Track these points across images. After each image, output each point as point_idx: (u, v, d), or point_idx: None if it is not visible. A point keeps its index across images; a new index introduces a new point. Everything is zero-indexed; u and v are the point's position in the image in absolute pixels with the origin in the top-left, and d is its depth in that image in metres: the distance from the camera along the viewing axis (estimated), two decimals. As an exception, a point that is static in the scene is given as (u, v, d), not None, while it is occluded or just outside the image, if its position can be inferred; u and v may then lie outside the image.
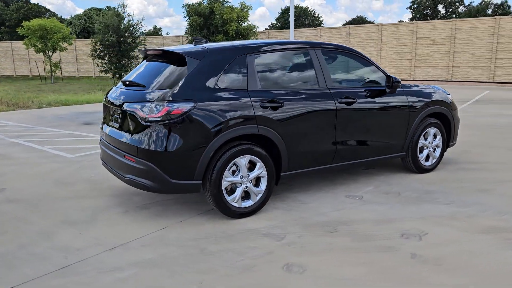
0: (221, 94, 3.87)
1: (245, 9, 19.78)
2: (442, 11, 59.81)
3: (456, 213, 4.12)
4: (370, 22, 58.55)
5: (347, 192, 4.81)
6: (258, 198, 4.10)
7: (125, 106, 3.95)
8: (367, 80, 5.04)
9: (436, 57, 19.19)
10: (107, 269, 3.12)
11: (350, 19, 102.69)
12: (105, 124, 4.51)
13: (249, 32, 19.79)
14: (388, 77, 4.96)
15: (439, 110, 5.46)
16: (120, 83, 4.61)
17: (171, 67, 4.04)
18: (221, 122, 3.79)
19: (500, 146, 7.09)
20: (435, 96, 5.46)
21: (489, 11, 50.53)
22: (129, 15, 22.79)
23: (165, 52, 4.24)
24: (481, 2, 52.35)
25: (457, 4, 59.60)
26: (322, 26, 42.03)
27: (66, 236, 3.69)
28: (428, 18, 59.51)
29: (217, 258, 3.27)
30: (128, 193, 4.80)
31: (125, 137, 3.92)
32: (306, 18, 64.17)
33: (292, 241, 3.54)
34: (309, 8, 66.48)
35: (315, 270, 3.07)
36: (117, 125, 4.12)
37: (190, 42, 7.13)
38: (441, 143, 5.63)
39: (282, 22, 58.36)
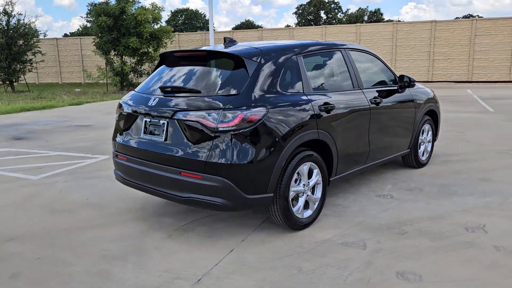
0: (285, 98, 3.59)
1: (157, 10, 18.89)
2: (324, 16, 64.44)
3: (489, 203, 4.39)
4: (259, 26, 60.47)
5: (372, 191, 4.84)
6: (315, 206, 3.90)
7: (179, 115, 3.42)
8: (379, 79, 5.13)
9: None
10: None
11: (233, 24, 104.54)
12: (128, 136, 3.87)
13: (164, 34, 18.95)
14: (401, 77, 5.10)
15: (433, 107, 5.81)
16: (138, 89, 4.02)
17: (225, 70, 3.63)
18: (291, 128, 3.52)
19: (461, 139, 7.80)
20: (430, 94, 5.80)
21: (365, 18, 55.83)
22: (19, 13, 20.21)
23: (213, 53, 3.81)
24: (358, 9, 57.74)
25: (336, 11, 64.83)
26: (263, 28, 42.18)
27: (127, 274, 3.07)
28: (312, 23, 63.64)
29: (323, 276, 3.01)
30: (150, 215, 4.20)
31: (180, 150, 3.40)
32: (197, 21, 64.07)
33: (378, 248, 3.42)
34: (200, 12, 66.40)
35: (431, 274, 3.00)
36: (160, 138, 3.56)
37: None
38: (431, 138, 6.00)
39: (172, 25, 57.18)
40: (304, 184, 3.74)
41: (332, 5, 64.76)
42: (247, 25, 63.85)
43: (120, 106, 4.08)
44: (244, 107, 3.26)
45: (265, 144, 3.36)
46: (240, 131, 3.23)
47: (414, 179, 5.31)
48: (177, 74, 3.88)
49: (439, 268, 3.09)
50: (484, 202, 4.42)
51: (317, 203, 3.91)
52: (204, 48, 3.93)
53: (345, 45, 4.62)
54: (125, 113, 3.94)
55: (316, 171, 3.84)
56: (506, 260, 3.20)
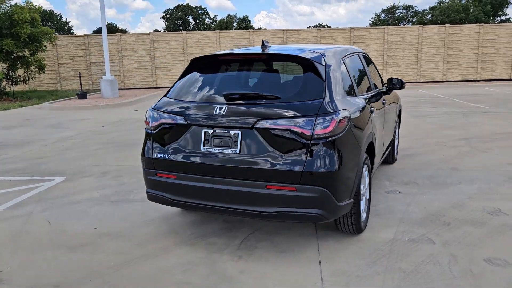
0: (352, 100, 3.58)
1: (32, 9, 16.63)
2: (192, 22, 64.61)
3: (481, 189, 4.97)
4: (157, 31, 57.82)
5: (378, 189, 5.08)
6: (367, 207, 3.96)
7: (263, 124, 3.14)
8: (376, 81, 5.41)
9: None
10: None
11: (85, 27, 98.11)
12: (178, 151, 3.41)
13: (44, 36, 16.76)
14: (389, 79, 5.45)
15: (400, 107, 6.34)
16: (176, 96, 3.57)
17: (293, 74, 3.45)
18: (364, 131, 3.52)
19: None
20: (398, 94, 6.31)
21: (235, 24, 57.61)
22: None
23: (276, 56, 3.56)
24: (227, 16, 59.33)
25: (204, 16, 65.61)
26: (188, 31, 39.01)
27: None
28: (181, 28, 63.32)
29: (429, 274, 3.08)
30: (191, 237, 3.77)
31: (264, 162, 3.12)
32: (52, 22, 58.41)
33: (444, 241, 3.62)
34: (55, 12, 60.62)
35: (509, 256, 3.31)
36: (233, 150, 3.21)
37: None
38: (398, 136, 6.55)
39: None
40: (363, 187, 3.76)
41: (200, 11, 65.37)
42: (110, 29, 60.44)
43: (155, 116, 3.56)
44: (332, 112, 3.15)
45: (351, 148, 3.31)
46: (334, 137, 3.11)
47: (400, 173, 5.73)
48: (230, 79, 3.56)
49: (510, 249, 3.42)
50: (476, 189, 5.00)
51: (368, 205, 3.97)
52: (263, 51, 3.64)
53: (359, 50, 4.78)
54: (172, 125, 3.46)
55: (366, 172, 3.90)
56: (549, 236, 3.69)
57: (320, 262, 3.28)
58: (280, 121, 3.11)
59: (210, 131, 3.31)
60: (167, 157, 3.48)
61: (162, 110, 3.57)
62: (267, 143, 3.14)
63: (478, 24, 20.28)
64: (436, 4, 58.22)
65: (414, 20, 61.62)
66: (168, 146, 3.49)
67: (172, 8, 64.12)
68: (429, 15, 58.41)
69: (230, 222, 4.07)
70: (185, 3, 62.34)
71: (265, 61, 3.70)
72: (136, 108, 13.87)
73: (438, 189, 5.00)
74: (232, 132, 3.23)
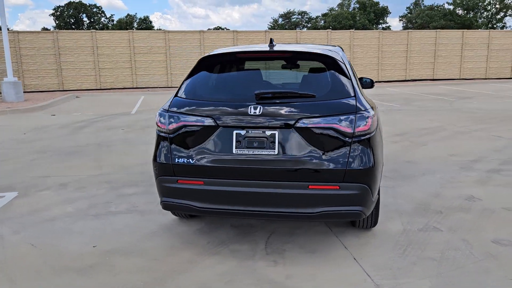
0: (367, 99, 3.66)
1: None
2: (87, 20, 60.67)
3: (444, 179, 5.46)
4: (46, 29, 52.32)
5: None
6: (372, 202, 4.10)
7: (304, 123, 3.06)
8: None
9: (154, 66, 20.07)
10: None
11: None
12: (205, 155, 3.18)
13: None
14: (360, 79, 5.69)
15: None
16: (195, 97, 3.35)
17: (319, 72, 3.42)
18: (381, 128, 3.63)
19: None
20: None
21: (135, 24, 55.44)
22: None
23: (300, 53, 3.48)
24: (127, 16, 56.81)
25: (99, 15, 62.00)
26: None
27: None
28: (74, 27, 59.11)
29: (456, 260, 3.30)
30: (210, 246, 3.56)
31: (305, 162, 3.06)
32: None
33: (448, 227, 3.89)
34: None
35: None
36: (271, 151, 3.09)
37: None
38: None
39: None
40: None
41: (95, 9, 61.62)
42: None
43: (173, 118, 3.28)
44: (366, 110, 3.20)
45: (380, 144, 3.40)
46: (370, 134, 3.16)
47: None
48: (253, 78, 3.42)
49: (505, 231, 3.81)
50: (441, 179, 5.46)
51: None
52: (285, 48, 3.52)
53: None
54: (198, 126, 3.22)
55: None
56: (527, 216, 4.19)
57: (355, 259, 3.31)
58: (322, 120, 3.08)
59: (243, 132, 3.15)
60: (191, 162, 3.22)
61: (181, 111, 3.30)
62: (307, 142, 3.08)
63: (378, 30, 22.19)
64: (327, 11, 62.48)
65: (309, 25, 65.31)
66: (191, 149, 3.24)
67: (63, 5, 59.34)
68: (322, 21, 62.30)
69: (239, 227, 3.92)
70: (77, 1, 58.07)
71: (287, 59, 3.62)
72: (53, 113, 12.59)
73: (410, 181, 5.36)
74: (268, 132, 3.11)
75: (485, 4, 50.93)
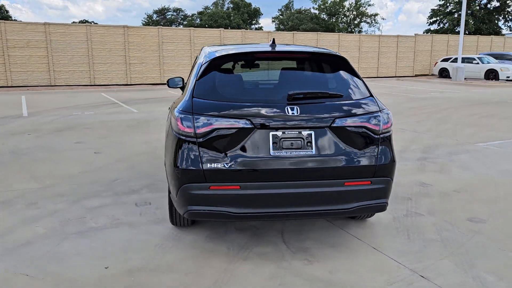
0: None
1: None
2: None
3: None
4: None
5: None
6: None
7: (339, 123, 3.16)
8: None
9: (33, 61, 17.82)
10: None
11: None
12: (241, 158, 3.08)
13: None
14: None
15: None
16: (222, 99, 3.22)
17: (335, 72, 3.52)
18: None
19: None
20: None
21: None
22: None
23: (317, 54, 3.53)
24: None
25: None
26: None
27: (378, 300, 2.77)
28: None
29: (453, 238, 3.76)
30: (232, 250, 3.45)
31: (341, 160, 3.17)
32: None
33: (426, 212, 4.39)
34: None
35: (482, 214, 4.31)
36: (309, 151, 3.13)
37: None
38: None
39: None
40: None
41: None
42: None
43: (201, 120, 3.09)
44: (384, 108, 3.44)
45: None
46: (391, 131, 3.41)
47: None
48: (276, 77, 3.39)
49: (470, 210, 4.43)
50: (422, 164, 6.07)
51: None
52: (302, 49, 3.49)
53: None
54: (232, 129, 3.09)
55: None
56: (480, 190, 4.92)
57: (375, 248, 3.54)
58: (355, 119, 3.23)
59: (279, 133, 3.13)
60: (226, 166, 3.09)
61: (211, 113, 3.12)
62: (341, 141, 3.20)
63: (267, 31, 23.16)
64: (203, 10, 62.81)
65: (184, 23, 64.84)
66: (225, 153, 3.10)
67: None
68: (198, 19, 62.41)
69: (246, 230, 3.86)
70: None
71: (303, 59, 3.66)
72: None
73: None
74: (304, 132, 3.15)
75: (344, 10, 56.50)
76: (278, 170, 3.11)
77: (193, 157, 3.13)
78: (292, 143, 3.14)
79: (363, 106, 3.32)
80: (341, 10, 56.10)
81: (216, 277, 3.06)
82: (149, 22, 63.83)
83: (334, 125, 3.18)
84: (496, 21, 50.68)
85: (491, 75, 23.48)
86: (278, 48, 3.62)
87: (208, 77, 3.40)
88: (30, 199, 4.68)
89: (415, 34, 27.81)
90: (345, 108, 3.26)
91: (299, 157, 3.14)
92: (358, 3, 53.91)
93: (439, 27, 51.90)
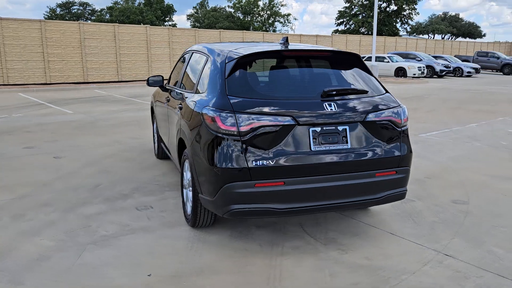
0: None
1: None
2: None
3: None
4: None
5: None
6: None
7: (370, 117, 3.35)
8: None
9: None
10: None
11: None
12: (283, 154, 3.14)
13: None
14: None
15: None
16: (259, 96, 3.26)
17: (353, 69, 3.69)
18: None
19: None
20: None
21: None
22: None
23: (337, 53, 3.65)
24: None
25: None
26: None
27: None
28: None
29: (454, 219, 4.17)
30: (264, 248, 3.49)
31: (372, 152, 3.37)
32: None
33: (415, 197, 4.79)
34: None
35: (463, 196, 4.81)
36: (344, 145, 3.28)
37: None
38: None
39: None
40: None
41: None
42: None
43: (243, 119, 3.09)
44: (400, 103, 3.70)
45: None
46: (407, 124, 3.68)
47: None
48: (300, 75, 3.48)
49: (448, 193, 4.93)
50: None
51: None
52: (321, 47, 3.56)
53: None
54: (276, 126, 3.13)
55: None
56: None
57: (393, 234, 3.80)
58: (382, 113, 3.44)
59: (318, 129, 3.23)
60: (271, 163, 3.12)
61: (253, 111, 3.12)
62: (371, 134, 3.39)
63: (194, 29, 22.84)
64: (112, 4, 59.92)
65: (93, 18, 61.41)
66: (269, 150, 3.13)
67: None
68: (108, 15, 59.50)
69: (265, 227, 3.92)
70: None
71: (325, 58, 3.76)
72: None
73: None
74: (340, 127, 3.29)
75: (259, 10, 57.72)
76: (319, 165, 3.22)
77: (237, 156, 3.11)
78: (329, 138, 3.27)
79: (386, 101, 3.55)
80: (255, 9, 57.22)
81: (266, 274, 3.09)
82: (52, 16, 59.40)
83: (366, 119, 3.37)
84: (395, 23, 55.47)
85: (400, 72, 25.74)
86: (302, 47, 3.73)
87: (238, 75, 3.39)
88: (12, 210, 4.23)
89: (332, 34, 29.41)
90: (372, 103, 3.47)
91: (336, 151, 3.28)
92: (272, 3, 55.43)
93: (346, 28, 55.49)
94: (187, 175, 3.87)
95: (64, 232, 3.74)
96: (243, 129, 3.11)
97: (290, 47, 3.68)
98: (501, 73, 32.71)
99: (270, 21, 58.33)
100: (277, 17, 57.95)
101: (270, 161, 3.13)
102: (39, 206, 4.37)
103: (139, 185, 5.08)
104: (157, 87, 6.37)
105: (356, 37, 31.99)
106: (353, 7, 54.72)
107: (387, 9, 54.45)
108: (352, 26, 54.11)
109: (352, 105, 3.38)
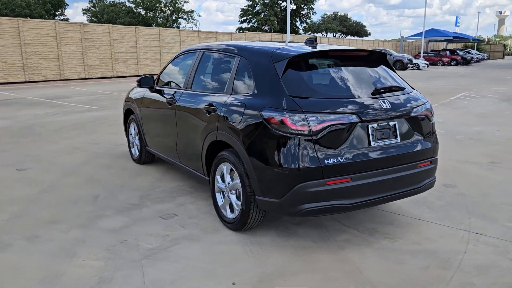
0: None
1: None
2: None
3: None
4: None
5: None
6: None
7: (415, 112, 3.62)
8: None
9: None
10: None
11: None
12: (348, 152, 3.25)
13: None
14: None
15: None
16: (322, 96, 3.34)
17: (383, 68, 3.89)
18: None
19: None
20: None
21: None
22: None
23: (373, 52, 3.81)
24: None
25: None
26: None
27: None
28: None
29: (457, 203, 4.64)
30: (321, 241, 3.58)
31: (415, 145, 3.62)
32: None
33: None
34: None
35: (458, 182, 5.34)
36: (395, 140, 3.48)
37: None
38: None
39: None
40: None
41: None
42: None
43: (313, 118, 3.13)
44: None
45: None
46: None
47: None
48: (350, 74, 3.60)
49: (437, 179, 5.45)
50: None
51: None
52: (357, 48, 3.65)
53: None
54: (343, 125, 3.22)
55: None
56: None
57: (419, 219, 4.12)
58: (421, 108, 3.71)
59: (375, 125, 3.39)
60: (341, 160, 3.20)
61: (322, 110, 3.17)
62: (412, 128, 3.64)
63: (108, 25, 21.43)
64: (-8, -4, 53.70)
65: (-31, 10, 54.44)
66: (337, 148, 3.22)
67: None
68: (-11, 8, 53.23)
69: (301, 223, 3.98)
70: None
71: (362, 57, 3.88)
72: None
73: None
74: (391, 123, 3.48)
75: (161, 6, 56.22)
76: (378, 159, 3.38)
77: (309, 155, 3.14)
78: (383, 133, 3.45)
79: (419, 97, 3.84)
80: (158, 5, 55.61)
81: (341, 268, 3.17)
82: None
83: (411, 114, 3.61)
84: (295, 22, 58.11)
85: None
86: (340, 47, 3.85)
87: (292, 76, 3.41)
88: (20, 232, 3.71)
89: (231, 33, 29.37)
90: (411, 99, 3.72)
91: (390, 145, 3.47)
92: (174, -1, 54.35)
93: (249, 26, 56.63)
94: (227, 178, 3.77)
95: (103, 250, 3.40)
96: (314, 128, 3.14)
97: (328, 47, 3.78)
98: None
99: (173, 18, 57.17)
100: (181, 14, 57.00)
101: (339, 158, 3.21)
102: (46, 224, 3.90)
103: (142, 193, 4.77)
104: (132, 89, 6.04)
105: (255, 34, 32.32)
106: (255, 5, 56.02)
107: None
108: (256, 24, 55.40)
109: (399, 102, 3.60)
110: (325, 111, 3.20)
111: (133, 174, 5.50)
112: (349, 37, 79.00)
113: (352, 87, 3.52)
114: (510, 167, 5.95)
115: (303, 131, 3.14)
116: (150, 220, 4.03)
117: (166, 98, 4.83)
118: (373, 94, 3.50)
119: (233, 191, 3.73)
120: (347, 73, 3.63)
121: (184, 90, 4.55)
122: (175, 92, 4.71)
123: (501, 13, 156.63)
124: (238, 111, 3.57)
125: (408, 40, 52.27)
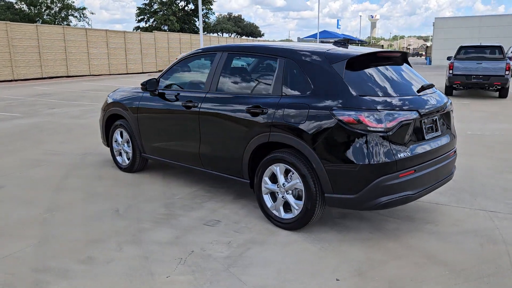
0: None
1: None
2: None
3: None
4: None
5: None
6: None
7: (450, 107, 4.06)
8: None
9: None
10: None
11: None
12: (413, 145, 3.52)
13: None
14: None
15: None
16: (388, 96, 3.55)
17: (409, 66, 4.20)
18: None
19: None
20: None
21: None
22: None
23: (402, 53, 4.10)
24: None
25: None
26: None
27: (510, 230, 3.85)
28: None
29: (460, 186, 5.19)
30: (368, 233, 3.80)
31: (450, 136, 4.03)
32: None
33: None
34: None
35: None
36: (437, 132, 3.83)
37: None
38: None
39: None
40: None
41: None
42: None
43: (389, 115, 3.34)
44: (437, 92, 4.46)
45: None
46: None
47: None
48: (396, 73, 3.87)
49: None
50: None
51: None
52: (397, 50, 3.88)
53: None
54: (409, 121, 3.47)
55: None
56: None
57: (438, 204, 4.55)
58: (449, 103, 4.13)
59: (426, 120, 3.69)
60: (409, 154, 3.45)
61: (393, 108, 3.38)
62: (445, 122, 4.03)
63: (5, 22, 18.99)
64: None
65: None
66: (406, 143, 3.45)
67: None
68: None
69: (345, 216, 4.15)
70: None
71: (397, 57, 4.11)
72: None
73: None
74: (434, 118, 3.82)
75: (48, 2, 51.69)
76: (431, 151, 3.69)
77: (385, 151, 3.32)
78: (430, 127, 3.77)
79: (442, 93, 4.25)
80: (43, 1, 51.01)
81: (417, 253, 3.41)
82: None
83: (445, 109, 4.00)
84: (194, 22, 57.73)
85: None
86: (390, 50, 4.08)
87: (354, 76, 3.57)
88: (67, 256, 3.29)
89: (124, 32, 27.30)
90: (442, 96, 4.12)
91: (436, 138, 3.81)
92: (63, -5, 50.31)
93: (148, 25, 54.80)
94: (281, 179, 3.77)
95: (179, 264, 3.19)
96: (389, 125, 3.33)
97: (373, 50, 4.00)
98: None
99: (62, 15, 52.94)
100: (71, 11, 52.99)
101: (408, 152, 3.45)
102: (89, 244, 3.52)
103: (164, 202, 4.51)
104: (114, 92, 5.72)
105: (151, 34, 30.23)
106: (152, 4, 54.38)
107: (185, 8, 56.12)
108: (154, 23, 53.80)
109: (438, 98, 3.97)
110: (396, 108, 3.42)
111: (135, 184, 5.14)
112: (244, 37, 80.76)
113: (403, 85, 3.78)
114: (472, 153, 6.78)
115: (380, 128, 3.31)
116: (197, 229, 3.85)
117: (180, 101, 4.61)
118: (418, 91, 3.81)
119: (290, 191, 3.75)
120: (394, 73, 3.88)
121: (207, 93, 4.40)
122: (194, 95, 4.52)
123: (372, 17, 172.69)
124: (299, 112, 3.60)
125: (304, 40, 55.43)
